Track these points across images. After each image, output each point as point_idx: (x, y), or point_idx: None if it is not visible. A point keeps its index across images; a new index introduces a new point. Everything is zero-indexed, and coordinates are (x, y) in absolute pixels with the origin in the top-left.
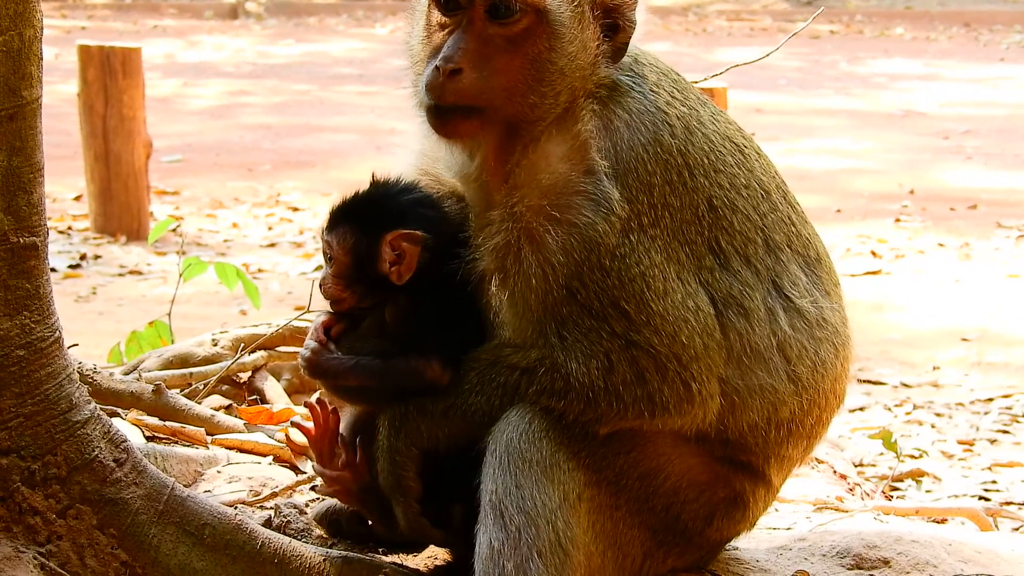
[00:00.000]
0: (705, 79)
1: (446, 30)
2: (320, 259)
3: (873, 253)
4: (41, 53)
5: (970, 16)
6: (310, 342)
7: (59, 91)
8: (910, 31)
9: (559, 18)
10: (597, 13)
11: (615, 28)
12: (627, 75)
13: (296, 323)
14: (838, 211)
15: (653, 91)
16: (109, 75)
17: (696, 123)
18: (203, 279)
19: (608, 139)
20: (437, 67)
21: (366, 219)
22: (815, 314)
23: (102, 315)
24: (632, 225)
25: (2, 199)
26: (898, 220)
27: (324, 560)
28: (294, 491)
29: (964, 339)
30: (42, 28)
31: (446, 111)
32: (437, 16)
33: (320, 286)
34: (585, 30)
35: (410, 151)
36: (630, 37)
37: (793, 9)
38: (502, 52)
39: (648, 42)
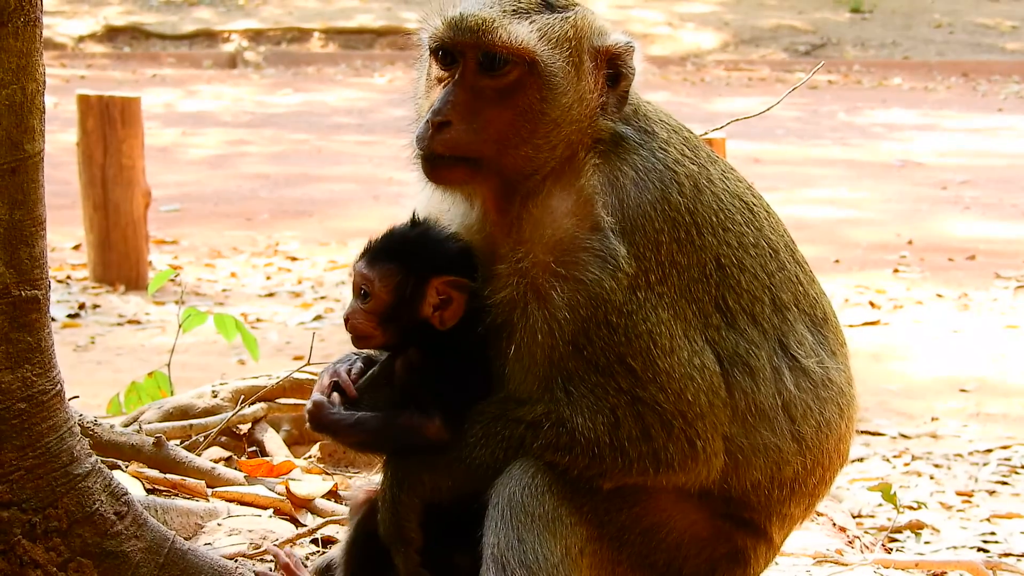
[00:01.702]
0: (706, 132)
1: (443, 84)
2: (318, 310)
3: (871, 304)
4: (43, 107)
5: (968, 66)
6: (316, 395)
7: (58, 140)
8: (908, 81)
9: (550, 69)
10: (600, 63)
11: (617, 77)
12: (635, 131)
13: (296, 375)
14: (836, 261)
15: (663, 149)
16: (108, 124)
17: (706, 181)
18: (202, 328)
19: (615, 196)
20: (428, 120)
21: (414, 259)
22: (821, 374)
23: (100, 364)
24: (640, 282)
25: (4, 252)
26: (896, 270)
27: None
28: (294, 544)
29: (963, 390)
30: (44, 82)
31: (435, 159)
32: (436, 70)
33: (347, 320)
34: (582, 80)
35: (417, 202)
36: (631, 84)
37: (791, 59)
38: (493, 104)
39: (646, 92)
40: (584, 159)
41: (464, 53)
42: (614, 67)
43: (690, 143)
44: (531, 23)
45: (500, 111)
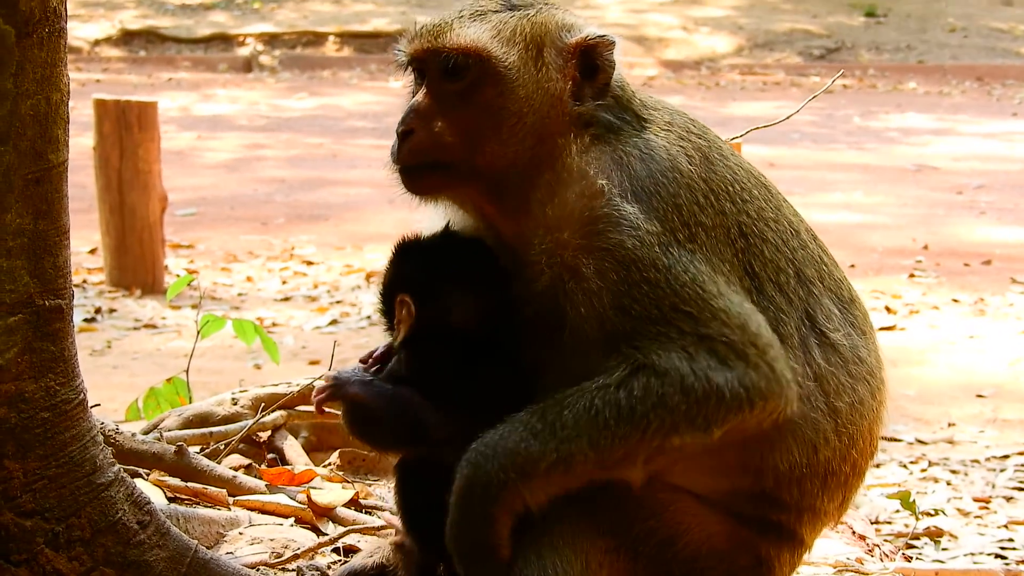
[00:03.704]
0: (729, 140)
1: None
2: (334, 314)
3: (887, 309)
4: (68, 116)
5: (983, 71)
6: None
7: (74, 144)
8: (923, 85)
9: (504, 63)
10: (569, 56)
11: (594, 69)
12: (627, 119)
13: (317, 383)
14: (852, 266)
15: (666, 128)
16: (125, 129)
17: (717, 155)
18: (218, 333)
19: (620, 172)
20: (396, 133)
21: (387, 278)
22: (850, 349)
23: (117, 369)
24: (669, 240)
25: (28, 262)
26: (912, 275)
27: None
28: (316, 553)
29: (979, 395)
30: (68, 92)
31: (409, 171)
32: (415, 89)
33: None
34: (542, 71)
35: (424, 220)
36: (610, 77)
37: (805, 63)
38: (457, 107)
39: (661, 96)
40: (565, 144)
41: (426, 62)
42: (588, 59)
43: (696, 124)
44: (485, 23)
45: (463, 112)
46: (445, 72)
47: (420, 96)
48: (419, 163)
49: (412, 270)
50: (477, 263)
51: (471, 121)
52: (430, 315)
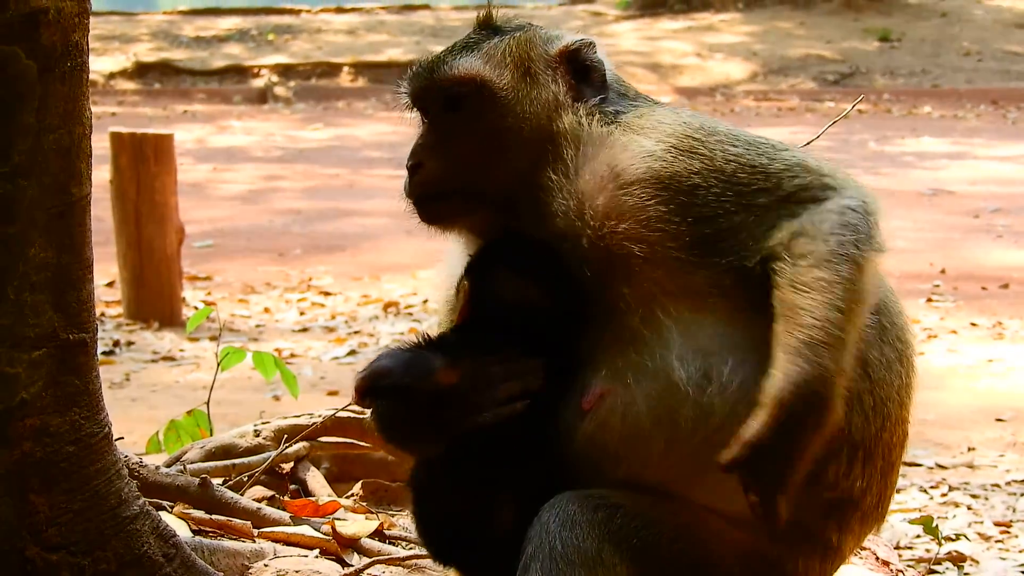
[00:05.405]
0: None
1: None
2: (352, 345)
3: None
4: (90, 150)
5: (997, 94)
6: None
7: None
8: (938, 110)
9: (499, 84)
10: (557, 65)
11: (586, 71)
12: (640, 104)
13: (340, 414)
14: None
15: (674, 110)
16: (141, 162)
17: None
18: (237, 365)
19: (635, 134)
20: (407, 168)
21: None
22: (889, 324)
23: (135, 401)
24: (692, 142)
25: (52, 296)
26: (930, 300)
27: None
28: None
29: (999, 419)
30: (91, 126)
31: (420, 202)
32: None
33: None
34: (535, 87)
35: (450, 257)
36: (603, 73)
37: (820, 89)
38: (460, 135)
39: None
40: (575, 128)
41: (427, 99)
42: (576, 63)
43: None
44: (475, 52)
45: (467, 139)
46: (445, 104)
47: (425, 130)
48: (430, 193)
49: (471, 260)
50: (533, 251)
51: (477, 146)
52: (484, 295)
